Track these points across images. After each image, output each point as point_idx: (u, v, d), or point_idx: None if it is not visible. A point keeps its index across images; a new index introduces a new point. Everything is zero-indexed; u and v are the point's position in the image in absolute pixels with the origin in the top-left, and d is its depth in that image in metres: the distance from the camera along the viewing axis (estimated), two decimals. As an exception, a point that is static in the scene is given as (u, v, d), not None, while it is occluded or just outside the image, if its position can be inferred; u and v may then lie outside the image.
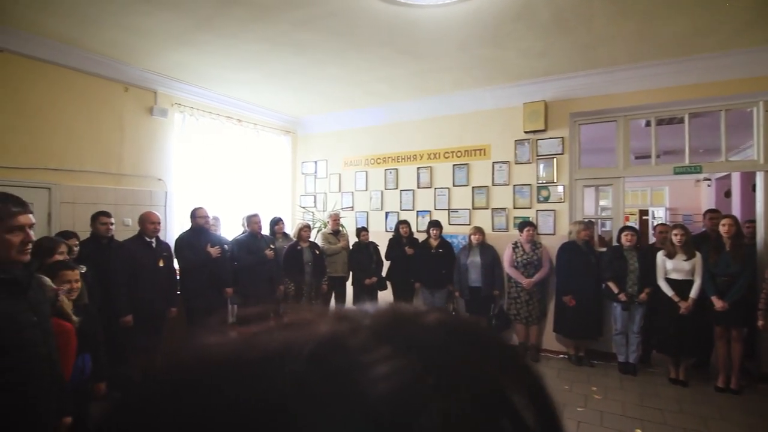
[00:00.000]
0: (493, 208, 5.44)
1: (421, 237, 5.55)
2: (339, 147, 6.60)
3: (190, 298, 4.26)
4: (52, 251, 2.92)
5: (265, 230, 5.16)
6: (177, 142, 5.18)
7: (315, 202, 6.80)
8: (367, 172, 6.36)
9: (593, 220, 5.24)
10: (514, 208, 5.31)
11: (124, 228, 4.46)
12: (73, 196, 4.23)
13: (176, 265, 4.30)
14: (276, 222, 5.47)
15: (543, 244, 4.94)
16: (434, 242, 5.29)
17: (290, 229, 6.09)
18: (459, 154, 5.68)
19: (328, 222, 5.78)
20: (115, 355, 3.18)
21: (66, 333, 2.24)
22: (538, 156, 5.16)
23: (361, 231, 5.58)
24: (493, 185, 5.45)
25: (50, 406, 1.65)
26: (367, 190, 6.35)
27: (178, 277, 4.30)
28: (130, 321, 3.64)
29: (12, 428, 1.47)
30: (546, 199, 5.13)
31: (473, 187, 5.58)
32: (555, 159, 5.06)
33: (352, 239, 5.70)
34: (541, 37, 3.83)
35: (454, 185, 5.72)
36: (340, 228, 5.73)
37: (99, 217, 3.78)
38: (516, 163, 5.30)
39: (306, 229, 5.18)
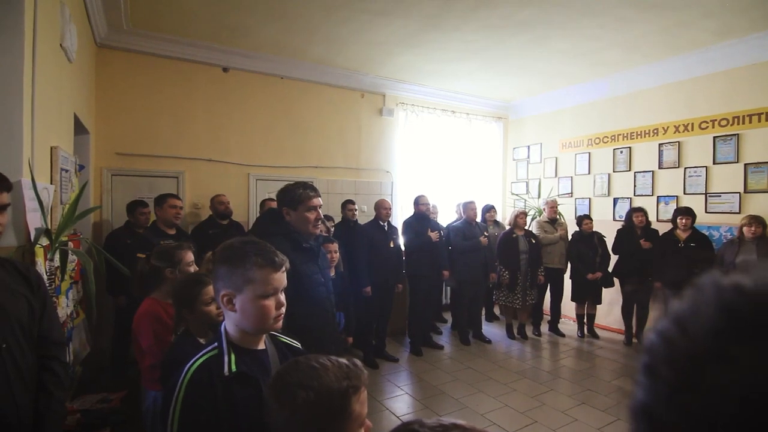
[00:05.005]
0: (780, 191, 4.08)
1: (661, 228, 4.64)
2: (555, 128, 6.11)
3: (413, 277, 4.71)
4: (317, 230, 3.70)
5: (477, 217, 5.24)
6: (400, 137, 5.79)
7: (527, 188, 6.51)
8: (590, 153, 5.68)
9: None
10: (822, 190, 3.84)
11: (361, 214, 5.26)
12: (327, 187, 5.23)
13: (402, 246, 4.82)
14: (488, 209, 5.50)
15: None
16: (683, 234, 4.33)
17: (501, 216, 6.02)
18: (724, 122, 4.45)
19: (543, 209, 5.44)
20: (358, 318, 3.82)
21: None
22: None
23: (584, 219, 5.04)
24: (782, 160, 4.07)
25: (332, 348, 2.09)
26: (590, 173, 5.69)
27: (404, 258, 4.81)
28: (369, 292, 4.29)
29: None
30: None
31: (746, 165, 4.29)
32: None
33: (571, 228, 5.22)
34: None
35: (714, 163, 4.52)
36: (558, 216, 5.32)
37: (347, 205, 4.58)
38: (826, 128, 3.81)
39: (522, 216, 5.01)
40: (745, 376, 0.22)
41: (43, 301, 1.41)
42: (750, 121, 4.27)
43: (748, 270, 0.26)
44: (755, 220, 3.91)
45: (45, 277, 1.99)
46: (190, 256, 2.20)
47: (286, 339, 1.25)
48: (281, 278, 1.10)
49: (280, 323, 1.12)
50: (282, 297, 1.11)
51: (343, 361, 0.93)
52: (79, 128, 3.29)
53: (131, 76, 4.20)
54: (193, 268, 2.18)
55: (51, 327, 1.42)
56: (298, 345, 1.26)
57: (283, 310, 1.11)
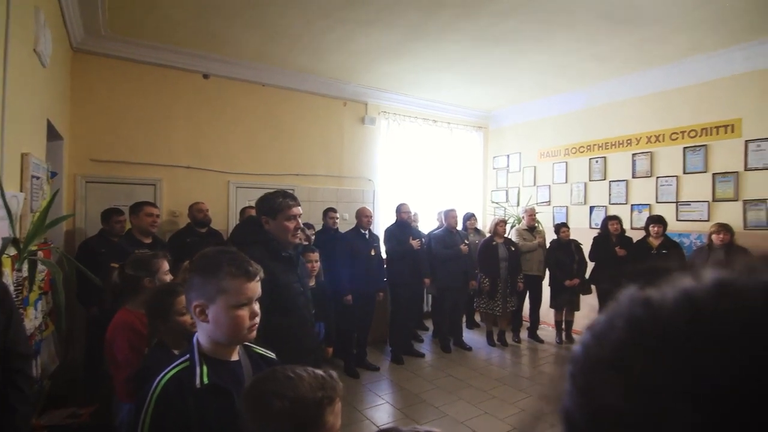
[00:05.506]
0: (745, 200, 4.25)
1: (635, 235, 4.78)
2: (534, 138, 6.25)
3: (394, 285, 4.72)
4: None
5: (458, 225, 5.29)
6: (382, 146, 5.82)
7: (507, 196, 6.62)
8: (567, 162, 5.83)
9: None
10: (783, 199, 4.03)
11: (342, 221, 5.25)
12: (308, 195, 5.21)
13: (383, 254, 4.83)
14: (468, 217, 5.56)
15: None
16: (656, 241, 4.47)
17: (481, 224, 6.10)
18: (693, 133, 4.64)
19: (522, 217, 5.54)
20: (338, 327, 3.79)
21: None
22: (826, 127, 3.77)
23: (561, 227, 5.15)
24: (746, 170, 4.25)
25: (311, 357, 2.08)
26: (567, 182, 5.83)
27: (385, 266, 4.81)
28: (350, 300, 4.27)
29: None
30: (842, 187, 3.71)
31: (714, 174, 4.47)
32: None
33: (549, 236, 5.32)
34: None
35: (684, 172, 4.70)
36: (536, 224, 5.42)
37: (328, 213, 4.57)
38: (786, 140, 4.01)
39: (502, 224, 5.09)
40: (638, 386, 0.24)
41: (8, 313, 1.36)
42: (717, 133, 4.46)
43: (662, 281, 0.27)
44: (723, 227, 4.05)
45: (12, 287, 1.92)
46: (165, 265, 2.16)
47: (260, 350, 1.24)
48: (255, 288, 1.10)
49: (254, 334, 1.11)
50: (256, 307, 1.10)
51: (319, 372, 0.94)
52: (53, 134, 3.21)
53: (109, 82, 4.12)
54: (168, 278, 2.14)
55: (17, 340, 1.38)
56: (273, 356, 1.25)
57: (257, 320, 1.10)
